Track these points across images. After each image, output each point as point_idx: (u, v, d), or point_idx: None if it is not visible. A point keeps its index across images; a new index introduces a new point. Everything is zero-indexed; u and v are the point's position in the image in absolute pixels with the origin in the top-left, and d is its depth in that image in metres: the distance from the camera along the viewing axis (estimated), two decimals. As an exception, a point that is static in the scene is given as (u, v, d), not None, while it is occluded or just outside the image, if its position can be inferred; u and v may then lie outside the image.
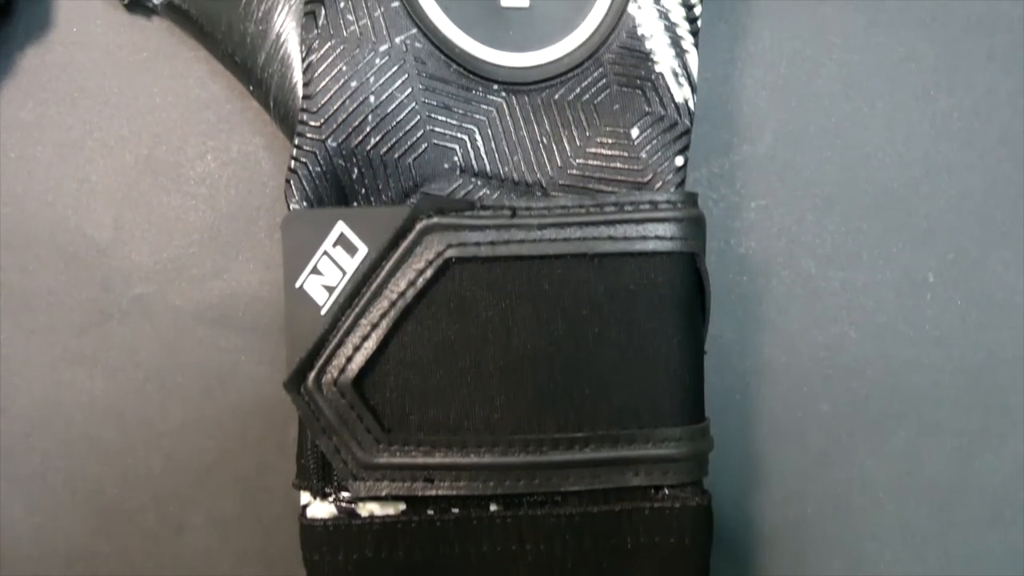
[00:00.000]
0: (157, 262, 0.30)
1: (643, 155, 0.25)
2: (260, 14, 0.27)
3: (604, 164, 0.25)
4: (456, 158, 0.25)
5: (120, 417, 0.29)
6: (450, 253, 0.24)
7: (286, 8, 0.27)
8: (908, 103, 0.30)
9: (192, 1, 0.28)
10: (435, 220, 0.24)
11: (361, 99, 0.25)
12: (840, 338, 0.29)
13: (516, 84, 0.26)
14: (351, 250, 0.24)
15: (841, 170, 0.30)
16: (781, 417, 0.29)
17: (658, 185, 0.25)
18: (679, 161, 0.25)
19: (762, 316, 0.29)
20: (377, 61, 0.25)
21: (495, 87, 0.26)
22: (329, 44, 0.25)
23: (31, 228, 0.30)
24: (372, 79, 0.25)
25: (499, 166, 0.26)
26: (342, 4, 0.25)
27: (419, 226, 0.24)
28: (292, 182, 0.25)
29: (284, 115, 0.27)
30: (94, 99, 0.30)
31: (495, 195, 0.25)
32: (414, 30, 0.25)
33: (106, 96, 0.30)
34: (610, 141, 0.25)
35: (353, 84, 0.25)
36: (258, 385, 0.29)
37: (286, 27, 0.27)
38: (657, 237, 0.24)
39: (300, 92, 0.26)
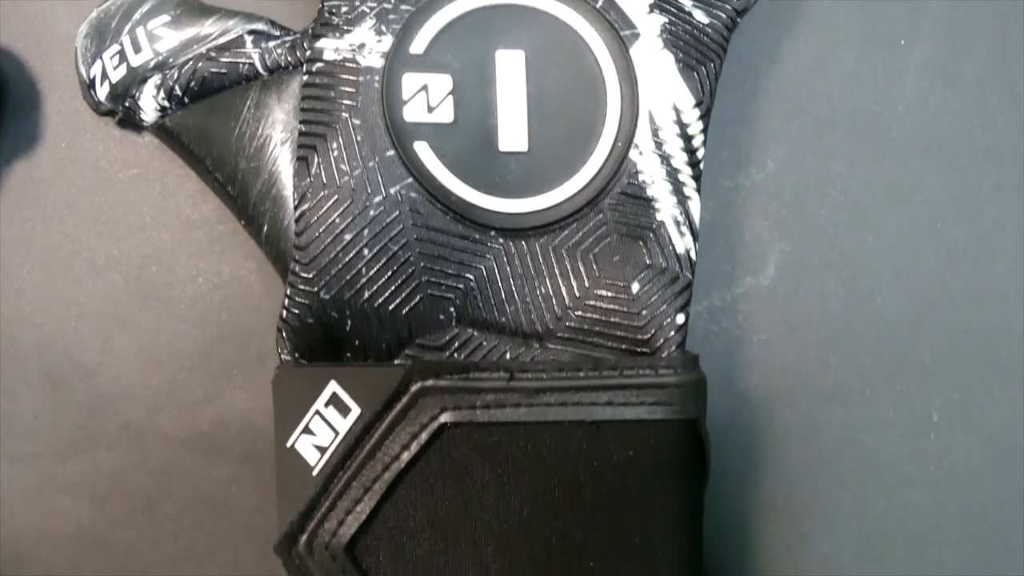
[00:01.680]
0: (146, 388, 0.29)
1: (644, 312, 0.25)
2: (252, 150, 0.26)
3: (603, 318, 0.25)
4: (452, 309, 0.25)
5: (108, 548, 0.29)
6: (445, 418, 0.23)
7: (279, 146, 0.26)
8: (913, 235, 0.30)
9: (183, 128, 0.27)
10: (430, 383, 0.23)
11: (355, 252, 0.24)
12: (841, 477, 0.29)
13: (514, 230, 0.25)
14: (344, 410, 0.24)
15: (844, 303, 0.29)
16: (781, 556, 0.29)
17: (659, 343, 0.25)
18: (680, 319, 0.25)
19: (762, 452, 0.29)
20: (371, 213, 0.24)
21: (492, 233, 0.25)
22: (322, 194, 0.24)
23: (17, 350, 0.29)
24: (366, 231, 0.24)
25: (496, 315, 0.25)
26: (335, 152, 0.24)
27: (413, 388, 0.23)
28: (284, 332, 0.25)
29: (276, 255, 0.26)
30: (83, 217, 0.29)
31: (491, 346, 0.25)
32: (409, 179, 0.25)
33: (95, 214, 0.30)
34: (610, 295, 0.25)
35: (347, 237, 0.24)
36: (250, 516, 0.29)
37: (279, 166, 0.26)
38: (657, 403, 0.23)
39: (292, 235, 0.25)
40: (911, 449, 0.29)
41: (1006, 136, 0.30)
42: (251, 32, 0.27)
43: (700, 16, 0.26)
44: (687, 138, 0.25)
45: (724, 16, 0.26)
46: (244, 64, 0.26)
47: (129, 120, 0.28)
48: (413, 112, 0.25)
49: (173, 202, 0.30)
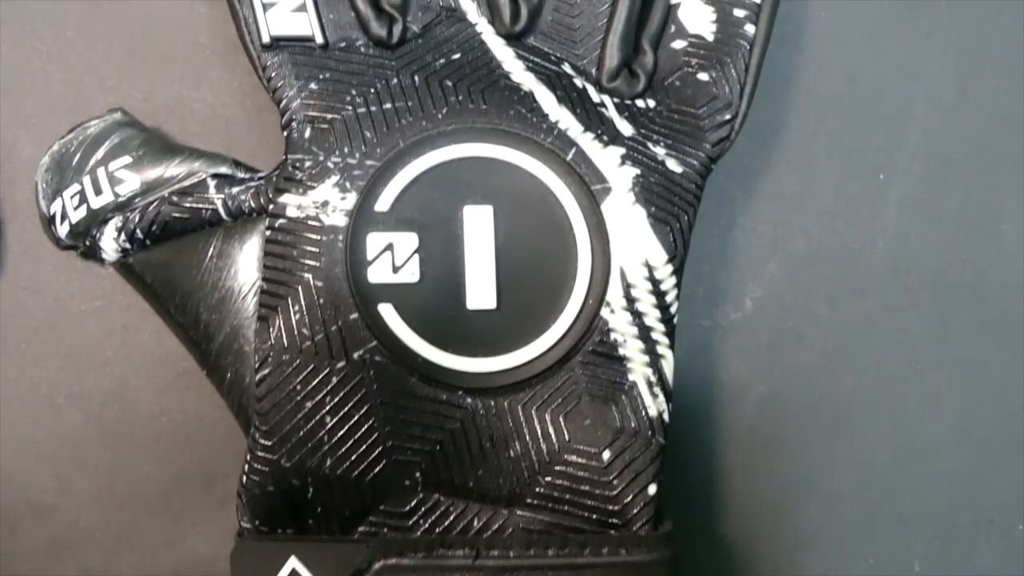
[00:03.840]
0: (106, 531, 0.28)
1: (615, 481, 0.24)
2: (214, 301, 0.26)
3: (572, 485, 0.24)
4: (418, 473, 0.24)
5: None
6: (408, 599, 0.22)
7: (240, 300, 0.25)
8: (895, 377, 0.29)
9: (147, 268, 0.26)
10: (393, 561, 0.22)
11: (316, 419, 0.23)
12: (821, 628, 0.28)
13: (483, 389, 0.24)
14: (304, 587, 0.23)
15: (824, 447, 0.29)
16: None
17: (630, 515, 0.24)
18: (652, 490, 0.24)
19: (741, 601, 0.28)
20: (334, 379, 0.23)
21: (460, 393, 0.24)
22: (284, 359, 0.24)
23: (-28, 491, 0.28)
24: (328, 398, 0.23)
25: (464, 479, 0.24)
26: (297, 316, 0.24)
27: (376, 567, 0.22)
28: (244, 498, 0.24)
29: (238, 409, 0.25)
30: (42, 351, 0.29)
31: (458, 511, 0.24)
32: (373, 343, 0.24)
33: (55, 348, 0.29)
34: (581, 461, 0.24)
35: (308, 405, 0.23)
36: (212, 667, 0.28)
37: (240, 320, 0.25)
38: (628, 584, 0.23)
39: (254, 391, 0.24)
40: (893, 600, 0.29)
41: (989, 274, 0.29)
42: (214, 176, 0.26)
43: (673, 165, 0.25)
44: (660, 295, 0.25)
45: (698, 164, 0.26)
46: (207, 210, 0.25)
47: (91, 256, 0.28)
48: (377, 273, 0.24)
49: (137, 337, 0.29)
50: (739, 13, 0.27)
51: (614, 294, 0.25)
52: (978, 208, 0.29)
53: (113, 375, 0.29)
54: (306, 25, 0.25)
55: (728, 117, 0.26)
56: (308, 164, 0.24)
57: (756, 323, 0.29)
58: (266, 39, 0.25)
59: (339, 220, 0.24)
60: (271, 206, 0.24)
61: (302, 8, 0.25)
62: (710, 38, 0.27)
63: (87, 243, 0.27)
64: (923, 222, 0.29)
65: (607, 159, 0.25)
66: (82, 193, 0.26)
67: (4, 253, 0.29)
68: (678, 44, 0.27)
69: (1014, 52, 0.30)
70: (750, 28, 0.26)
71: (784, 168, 0.29)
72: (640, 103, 0.26)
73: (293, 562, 0.23)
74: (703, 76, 0.26)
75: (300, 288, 0.24)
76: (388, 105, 0.25)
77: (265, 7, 0.25)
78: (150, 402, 0.29)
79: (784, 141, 0.29)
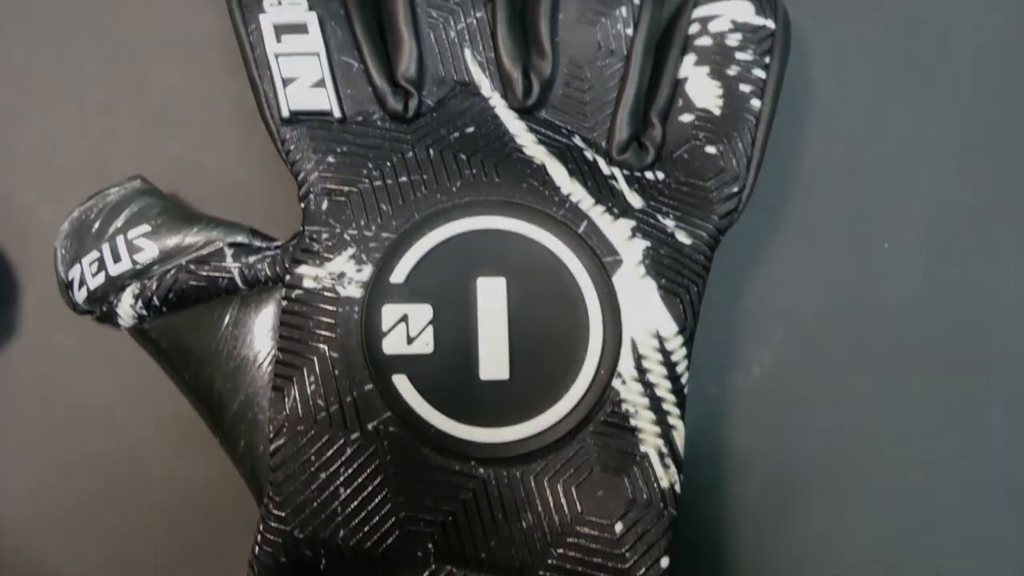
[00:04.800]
0: (113, 597, 0.28)
1: (627, 554, 0.24)
2: (229, 369, 0.26)
3: (585, 557, 0.24)
4: (430, 544, 0.24)
5: None
6: (419, 675, 0.22)
7: (255, 369, 0.25)
8: (899, 447, 0.29)
9: (162, 335, 0.27)
10: (404, 635, 0.23)
11: (330, 491, 0.24)
12: None
13: (495, 459, 0.25)
14: (314, 662, 0.23)
15: (831, 518, 0.28)
16: None
17: (642, 590, 0.24)
18: (664, 563, 0.24)
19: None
20: (348, 451, 0.24)
21: (472, 463, 0.24)
22: (298, 429, 0.24)
23: (-21, 554, 0.28)
24: (342, 469, 0.24)
25: (476, 550, 0.24)
26: (312, 386, 0.24)
27: (387, 641, 0.23)
28: (256, 569, 0.24)
29: (250, 477, 0.25)
30: (54, 412, 0.29)
31: (470, 583, 0.24)
32: (388, 414, 0.24)
33: (67, 410, 0.29)
34: (593, 533, 0.24)
35: (322, 475, 0.24)
36: None
37: (255, 390, 0.25)
38: (640, 662, 0.23)
39: (267, 461, 0.24)
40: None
41: (994, 343, 0.30)
42: (232, 244, 0.27)
43: (683, 237, 0.26)
44: (670, 365, 0.25)
45: (706, 236, 0.26)
46: (223, 278, 0.26)
47: (107, 320, 0.28)
48: (392, 344, 0.24)
49: (150, 400, 0.29)
50: (745, 88, 0.27)
51: (625, 365, 0.25)
52: (982, 277, 0.30)
53: (125, 439, 0.29)
54: (324, 100, 0.26)
55: (736, 190, 0.27)
56: (325, 236, 0.25)
57: (764, 391, 0.29)
58: (286, 113, 0.26)
59: (355, 292, 0.24)
60: (288, 276, 0.25)
61: (321, 84, 0.26)
62: (717, 112, 0.27)
63: (104, 308, 0.27)
64: (928, 291, 0.30)
65: (618, 232, 0.25)
66: (101, 260, 0.27)
67: (20, 316, 0.30)
68: (686, 118, 0.27)
69: (1015, 122, 0.31)
70: (756, 103, 0.27)
71: (790, 238, 0.30)
72: (649, 175, 0.27)
73: (305, 636, 0.23)
74: (711, 149, 0.27)
75: (316, 359, 0.24)
76: (404, 178, 0.25)
77: (285, 82, 0.26)
78: (161, 467, 0.29)
79: (789, 211, 0.30)
